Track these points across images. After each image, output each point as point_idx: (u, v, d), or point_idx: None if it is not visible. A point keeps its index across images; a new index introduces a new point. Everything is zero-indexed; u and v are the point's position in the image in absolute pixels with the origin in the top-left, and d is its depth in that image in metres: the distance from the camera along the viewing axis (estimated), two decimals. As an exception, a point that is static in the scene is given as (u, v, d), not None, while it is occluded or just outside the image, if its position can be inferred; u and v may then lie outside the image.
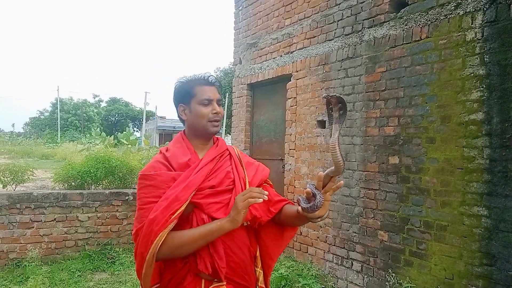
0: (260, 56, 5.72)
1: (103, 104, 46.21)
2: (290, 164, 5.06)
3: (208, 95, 1.60)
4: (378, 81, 3.92)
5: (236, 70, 6.31)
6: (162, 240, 1.40)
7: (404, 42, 3.67)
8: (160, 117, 46.57)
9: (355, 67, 4.18)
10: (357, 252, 4.06)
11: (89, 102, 42.56)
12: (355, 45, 4.19)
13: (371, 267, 3.90)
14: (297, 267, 4.62)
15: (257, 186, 1.67)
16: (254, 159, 5.70)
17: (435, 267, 3.32)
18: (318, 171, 1.48)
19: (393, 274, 3.64)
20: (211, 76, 1.66)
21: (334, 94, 1.45)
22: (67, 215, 5.18)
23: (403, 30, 3.68)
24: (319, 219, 1.51)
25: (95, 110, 41.58)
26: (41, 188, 6.71)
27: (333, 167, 1.43)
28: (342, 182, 1.48)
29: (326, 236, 4.45)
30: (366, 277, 3.94)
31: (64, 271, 4.70)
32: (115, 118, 44.30)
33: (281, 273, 4.45)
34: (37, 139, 30.25)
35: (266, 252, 1.73)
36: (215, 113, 1.61)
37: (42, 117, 47.37)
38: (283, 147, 5.24)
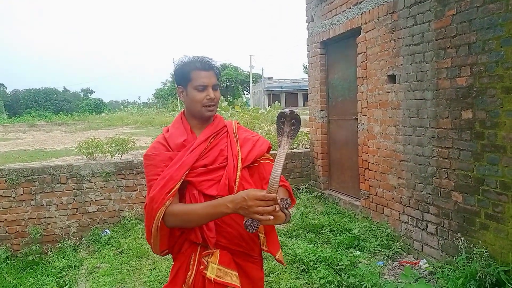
0: (330, 11, 5.44)
1: (215, 71, 48.75)
2: (363, 124, 4.85)
3: (203, 81, 1.65)
4: (448, 26, 3.46)
5: (308, 29, 6.11)
6: (162, 215, 1.55)
7: (476, -23, 3.14)
8: (268, 79, 47.44)
9: (424, 13, 3.73)
10: (432, 214, 3.82)
11: (201, 70, 45.23)
12: (423, -13, 3.72)
13: (446, 230, 3.64)
14: (372, 228, 4.54)
15: (253, 162, 1.72)
16: (332, 119, 5.60)
17: (512, 233, 2.97)
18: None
19: (468, 238, 3.36)
20: (208, 61, 1.69)
21: (290, 110, 1.46)
22: (163, 179, 5.87)
23: (474, -38, 3.15)
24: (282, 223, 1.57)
25: (218, 81, 43.91)
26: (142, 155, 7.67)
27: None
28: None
29: (401, 197, 4.25)
30: (441, 240, 3.70)
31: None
32: (226, 84, 46.60)
33: (354, 233, 4.44)
34: (160, 108, 33.76)
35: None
36: (209, 98, 1.66)
37: (165, 88, 52.23)
38: (356, 106, 5.03)
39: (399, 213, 4.29)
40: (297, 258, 3.96)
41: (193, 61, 1.69)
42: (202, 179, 1.63)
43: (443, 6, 3.50)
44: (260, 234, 1.80)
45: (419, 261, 3.87)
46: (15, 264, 5.13)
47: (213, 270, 1.58)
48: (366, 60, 4.69)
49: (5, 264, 5.05)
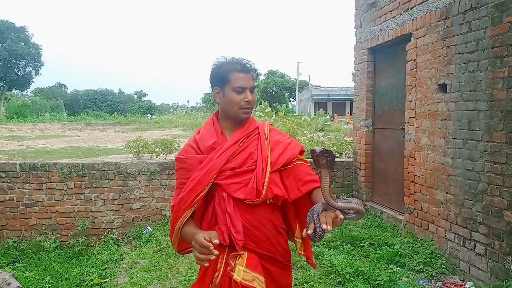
0: (380, 17, 5.29)
1: (261, 78, 49.26)
2: (410, 134, 4.65)
3: (241, 83, 1.65)
4: (506, 33, 3.24)
5: (356, 35, 5.99)
6: (188, 216, 1.62)
7: (540, -19, 2.92)
8: (315, 86, 47.03)
9: (480, 19, 3.53)
10: (481, 234, 3.57)
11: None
12: (480, -8, 3.52)
13: (496, 252, 3.39)
14: (415, 244, 4.32)
15: (284, 165, 1.69)
16: (378, 128, 5.46)
17: None
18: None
19: (521, 262, 3.11)
20: (247, 63, 1.69)
21: (321, 148, 1.47)
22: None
23: (538, -35, 2.93)
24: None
25: (255, 84, 44.42)
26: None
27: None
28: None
29: (448, 214, 4.01)
30: (491, 262, 3.45)
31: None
32: (272, 90, 46.77)
33: (395, 249, 4.26)
34: (207, 112, 34.43)
35: (302, 225, 1.77)
36: (247, 101, 1.66)
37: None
38: (403, 115, 4.84)
39: (445, 231, 4.06)
40: (333, 270, 3.85)
41: (231, 63, 1.69)
42: (230, 182, 1.63)
43: (501, 12, 3.29)
44: (297, 239, 1.78)
45: (465, 283, 3.63)
46: (62, 254, 5.41)
47: (240, 272, 1.57)
48: (415, 68, 4.51)
49: (54, 253, 5.35)
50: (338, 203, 1.46)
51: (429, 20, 4.24)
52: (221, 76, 1.69)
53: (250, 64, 1.70)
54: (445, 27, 3.99)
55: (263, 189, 1.60)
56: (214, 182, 1.61)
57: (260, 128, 1.76)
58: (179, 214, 1.63)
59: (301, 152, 1.78)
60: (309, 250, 1.79)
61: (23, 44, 39.06)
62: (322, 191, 1.47)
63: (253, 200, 1.61)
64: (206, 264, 1.46)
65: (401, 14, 4.80)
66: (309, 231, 1.37)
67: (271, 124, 1.86)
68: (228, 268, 1.60)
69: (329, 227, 1.36)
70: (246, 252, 1.62)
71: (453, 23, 3.87)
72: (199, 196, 1.60)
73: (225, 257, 1.64)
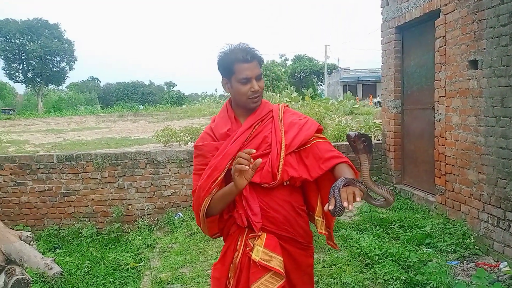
0: (407, -6, 5.12)
1: (289, 63, 48.72)
2: (440, 114, 4.51)
3: (246, 74, 1.63)
4: (541, 2, 3.07)
5: (383, 13, 5.81)
6: (208, 203, 1.64)
7: None
8: (344, 69, 46.09)
9: (512, -11, 3.35)
10: (516, 214, 3.45)
11: (276, 62, 45.45)
12: (512, -40, 3.33)
13: (532, 232, 3.28)
14: (446, 225, 4.23)
15: (300, 146, 1.69)
16: (407, 109, 5.32)
17: None
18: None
19: (558, 242, 2.99)
20: (250, 51, 1.66)
21: (356, 132, 1.48)
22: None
23: None
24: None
25: (282, 69, 44.16)
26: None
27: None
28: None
29: (481, 194, 3.90)
30: (526, 243, 3.34)
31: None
32: (300, 75, 46.29)
33: (426, 230, 4.19)
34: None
35: (323, 203, 1.76)
36: (253, 91, 1.65)
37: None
38: (433, 94, 4.69)
39: (478, 211, 3.95)
40: (362, 252, 3.84)
41: (234, 52, 1.66)
42: None
43: (535, -20, 3.11)
44: (317, 218, 1.78)
45: (499, 264, 3.54)
46: (99, 240, 5.67)
47: (258, 252, 1.60)
48: (445, 45, 4.35)
49: (91, 239, 5.61)
50: (379, 189, 1.49)
51: (458, -7, 4.06)
52: (226, 67, 1.68)
53: (253, 51, 1.66)
54: (475, 0, 3.81)
55: (278, 172, 1.61)
56: (230, 167, 1.63)
57: (274, 111, 1.76)
58: (200, 202, 1.65)
59: (319, 130, 1.77)
60: (331, 229, 1.79)
61: (56, 40, 40.40)
62: (362, 176, 1.49)
63: (269, 183, 1.63)
64: (246, 168, 1.45)
65: (428, -11, 4.62)
66: (330, 207, 1.38)
67: (287, 106, 1.85)
68: (247, 249, 1.64)
69: (350, 207, 1.36)
70: (265, 233, 1.65)
71: (484, -5, 3.69)
72: (216, 182, 1.62)
73: (244, 238, 1.68)
